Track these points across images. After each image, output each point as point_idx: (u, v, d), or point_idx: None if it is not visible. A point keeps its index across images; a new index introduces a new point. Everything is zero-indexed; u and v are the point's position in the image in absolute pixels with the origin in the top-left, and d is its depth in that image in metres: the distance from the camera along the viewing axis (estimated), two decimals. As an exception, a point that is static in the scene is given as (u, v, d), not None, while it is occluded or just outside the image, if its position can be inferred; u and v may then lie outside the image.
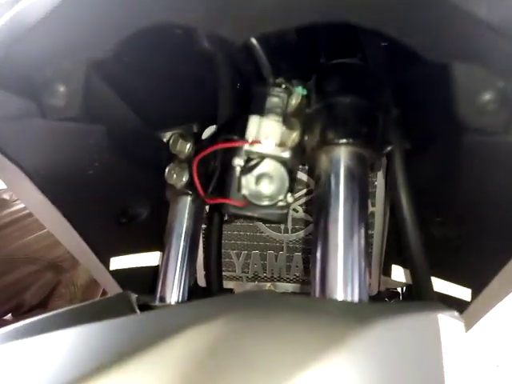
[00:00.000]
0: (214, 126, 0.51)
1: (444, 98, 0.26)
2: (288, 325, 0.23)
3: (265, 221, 0.30)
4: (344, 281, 0.28)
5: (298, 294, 0.64)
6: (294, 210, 0.59)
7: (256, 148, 0.29)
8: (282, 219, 0.30)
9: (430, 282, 0.38)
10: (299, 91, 0.31)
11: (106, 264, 0.57)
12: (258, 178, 0.29)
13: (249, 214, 0.29)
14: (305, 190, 0.58)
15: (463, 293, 0.51)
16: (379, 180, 0.53)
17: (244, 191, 0.29)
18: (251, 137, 0.30)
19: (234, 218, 0.54)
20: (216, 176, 0.34)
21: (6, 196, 1.06)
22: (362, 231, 0.29)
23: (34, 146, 0.34)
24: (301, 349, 0.22)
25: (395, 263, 0.56)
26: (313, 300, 0.27)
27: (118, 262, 0.58)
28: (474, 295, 0.51)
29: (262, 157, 0.29)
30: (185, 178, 0.44)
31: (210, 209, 0.53)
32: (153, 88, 0.56)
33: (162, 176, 0.49)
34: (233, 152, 0.30)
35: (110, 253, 0.56)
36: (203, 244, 0.59)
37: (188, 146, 0.45)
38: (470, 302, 0.51)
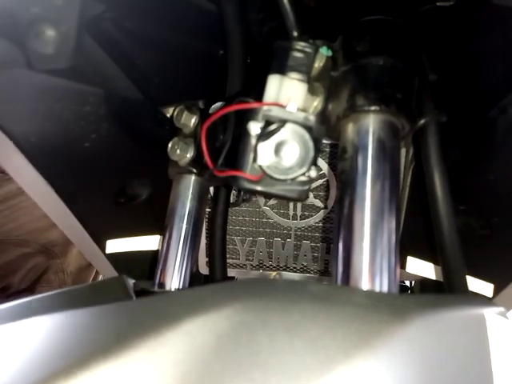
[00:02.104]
0: (222, 102, 0.47)
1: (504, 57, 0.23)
2: (309, 317, 0.20)
3: (283, 198, 0.26)
4: (371, 270, 0.24)
5: (317, 282, 0.60)
6: (304, 195, 0.55)
7: (275, 112, 0.25)
8: (303, 196, 0.26)
9: (464, 277, 0.34)
10: (324, 52, 0.27)
11: (102, 247, 0.53)
12: (278, 146, 0.25)
13: (265, 189, 0.25)
14: (316, 174, 0.54)
15: (485, 288, 0.48)
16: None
17: (260, 161, 0.25)
18: (270, 99, 0.26)
19: (243, 201, 0.50)
20: (227, 146, 0.30)
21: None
22: (394, 213, 0.25)
23: (22, 106, 0.30)
24: (325, 347, 0.18)
25: (411, 255, 0.53)
26: (338, 288, 0.24)
27: (115, 245, 0.54)
28: (497, 291, 0.47)
29: (283, 121, 0.25)
30: (189, 154, 0.40)
31: (215, 190, 0.50)
32: (155, 60, 0.52)
33: (165, 154, 0.45)
34: (248, 116, 0.26)
35: (107, 235, 0.53)
36: (207, 228, 0.56)
37: (194, 119, 0.41)
38: (492, 299, 0.48)
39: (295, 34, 0.26)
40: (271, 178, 0.25)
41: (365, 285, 0.24)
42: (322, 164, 0.53)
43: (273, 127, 0.25)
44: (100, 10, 0.41)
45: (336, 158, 0.53)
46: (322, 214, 0.56)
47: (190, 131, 0.42)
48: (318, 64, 0.28)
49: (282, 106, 0.25)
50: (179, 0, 0.49)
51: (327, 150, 0.53)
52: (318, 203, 0.55)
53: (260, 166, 0.25)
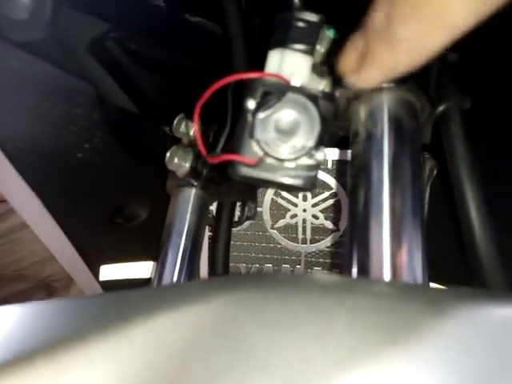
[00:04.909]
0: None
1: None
2: (317, 308, 0.15)
3: (286, 187, 0.22)
4: (394, 263, 0.20)
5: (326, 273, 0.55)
6: (314, 216, 0.52)
7: (276, 84, 0.22)
8: (309, 185, 0.22)
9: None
10: (330, 34, 0.25)
11: (96, 273, 0.49)
12: (279, 120, 0.22)
13: (265, 176, 0.22)
14: (326, 194, 0.51)
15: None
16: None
17: (259, 135, 0.21)
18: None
19: (247, 219, 0.47)
20: (226, 133, 0.27)
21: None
22: (417, 197, 0.21)
23: (4, 98, 0.28)
24: (338, 343, 0.14)
25: (432, 280, 0.48)
26: (354, 279, 0.20)
27: (110, 272, 0.50)
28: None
29: (284, 91, 0.22)
30: (188, 164, 0.37)
31: (217, 209, 0.46)
32: (158, 82, 0.51)
33: (165, 170, 0.43)
34: (246, 94, 0.23)
35: (101, 259, 0.49)
36: (208, 254, 0.52)
37: (194, 128, 0.38)
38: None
39: (298, 3, 0.23)
40: (272, 160, 0.21)
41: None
42: (331, 182, 0.50)
43: (272, 97, 0.22)
44: (104, 29, 0.40)
45: (346, 175, 0.50)
46: (333, 237, 0.52)
47: (190, 141, 0.39)
48: (325, 49, 0.26)
49: (284, 80, 0.22)
50: (184, 22, 0.49)
51: (335, 167, 0.50)
52: (329, 225, 0.51)
53: (259, 145, 0.21)
